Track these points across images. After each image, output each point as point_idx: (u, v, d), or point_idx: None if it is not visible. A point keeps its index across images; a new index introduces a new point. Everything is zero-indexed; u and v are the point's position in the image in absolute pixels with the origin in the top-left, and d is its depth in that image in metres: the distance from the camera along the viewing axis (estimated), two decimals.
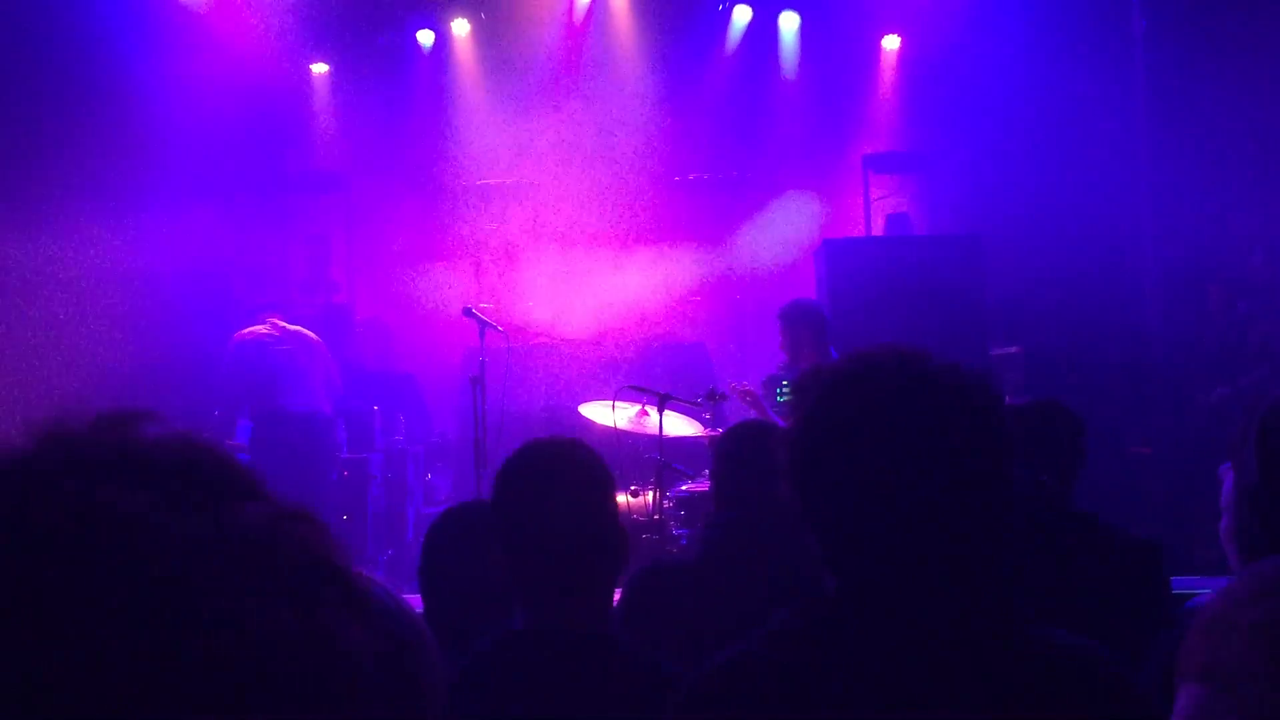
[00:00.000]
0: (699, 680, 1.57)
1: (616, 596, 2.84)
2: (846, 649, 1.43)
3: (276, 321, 7.13)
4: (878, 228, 8.47)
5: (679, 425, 6.42)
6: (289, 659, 0.58)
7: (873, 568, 1.44)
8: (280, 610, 0.59)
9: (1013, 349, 7.57)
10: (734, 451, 3.00)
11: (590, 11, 9.32)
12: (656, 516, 5.99)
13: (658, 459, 6.07)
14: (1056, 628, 1.52)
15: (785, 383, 7.07)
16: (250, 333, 7.07)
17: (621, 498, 6.25)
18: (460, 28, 9.37)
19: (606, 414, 6.37)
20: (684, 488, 6.15)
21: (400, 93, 9.31)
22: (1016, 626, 1.45)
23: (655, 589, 2.83)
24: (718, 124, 9.15)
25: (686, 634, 2.64)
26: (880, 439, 1.42)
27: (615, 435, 6.35)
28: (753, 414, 6.17)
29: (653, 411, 6.21)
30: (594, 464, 2.24)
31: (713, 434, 6.20)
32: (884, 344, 1.54)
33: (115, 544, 0.57)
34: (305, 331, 7.18)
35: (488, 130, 9.24)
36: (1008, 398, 7.33)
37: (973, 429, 1.43)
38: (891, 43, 9.22)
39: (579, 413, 6.68)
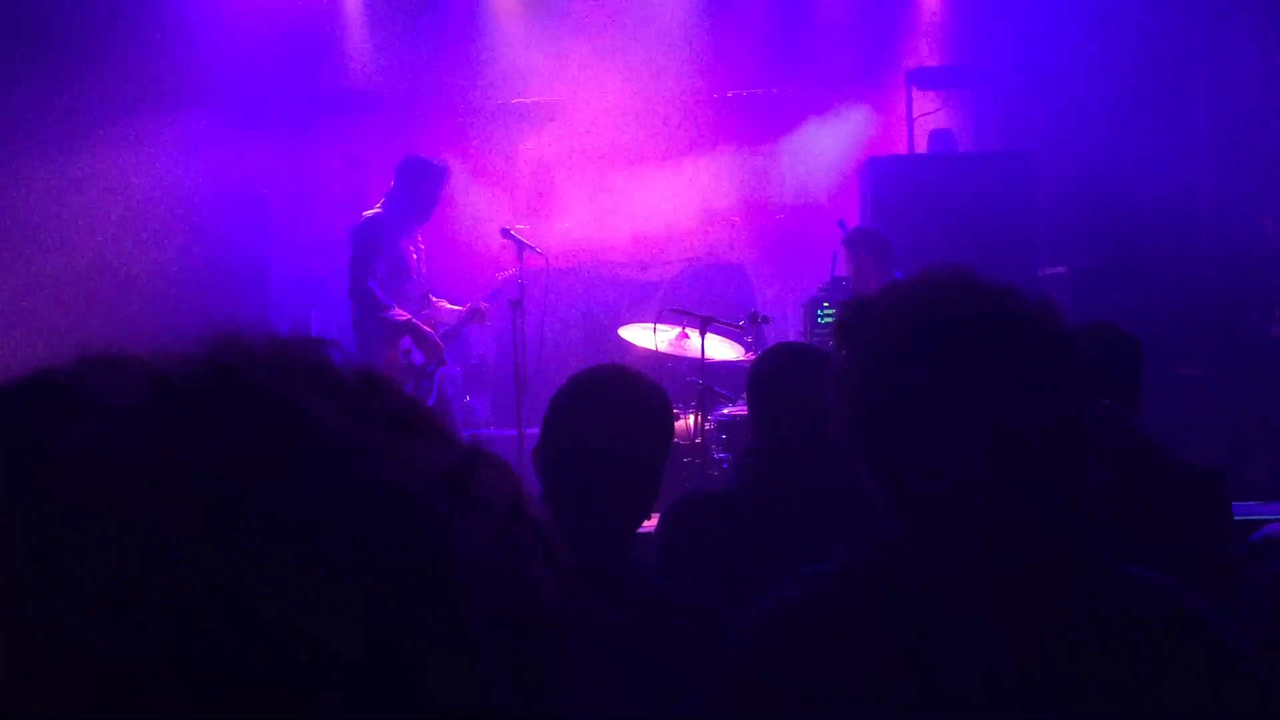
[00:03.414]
0: (760, 615, 1.52)
1: (652, 525, 2.83)
2: (922, 590, 1.37)
3: None
4: (921, 145, 8.30)
5: (720, 348, 6.37)
6: (502, 602, 0.54)
7: (946, 509, 1.36)
8: (489, 554, 0.54)
9: (1060, 269, 7.43)
10: (770, 375, 2.93)
11: None
12: (698, 440, 5.98)
13: (699, 382, 6.03)
14: (1128, 561, 1.47)
15: (826, 304, 7.00)
16: None
17: None
18: None
19: (647, 337, 6.33)
20: (725, 411, 6.11)
21: (434, 10, 9.15)
22: (1100, 565, 1.39)
23: (692, 518, 2.80)
24: (757, 39, 8.95)
25: (724, 563, 2.62)
26: (946, 372, 1.32)
27: (656, 358, 6.31)
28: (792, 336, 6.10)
29: (694, 334, 6.15)
30: (652, 404, 2.22)
31: (754, 357, 6.16)
32: (931, 267, 1.43)
33: (305, 445, 0.51)
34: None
35: (523, 48, 9.08)
36: None
37: (1045, 357, 1.34)
38: None
39: (619, 335, 6.64)
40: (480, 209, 8.80)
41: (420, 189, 6.25)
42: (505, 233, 6.63)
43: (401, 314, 6.12)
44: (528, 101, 9.03)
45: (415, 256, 6.32)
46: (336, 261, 8.42)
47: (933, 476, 1.35)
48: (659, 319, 6.32)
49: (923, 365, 1.34)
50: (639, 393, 2.25)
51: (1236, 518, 4.33)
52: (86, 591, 0.46)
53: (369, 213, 6.27)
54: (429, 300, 6.40)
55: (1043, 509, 1.35)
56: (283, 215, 8.42)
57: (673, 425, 2.31)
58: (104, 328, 7.27)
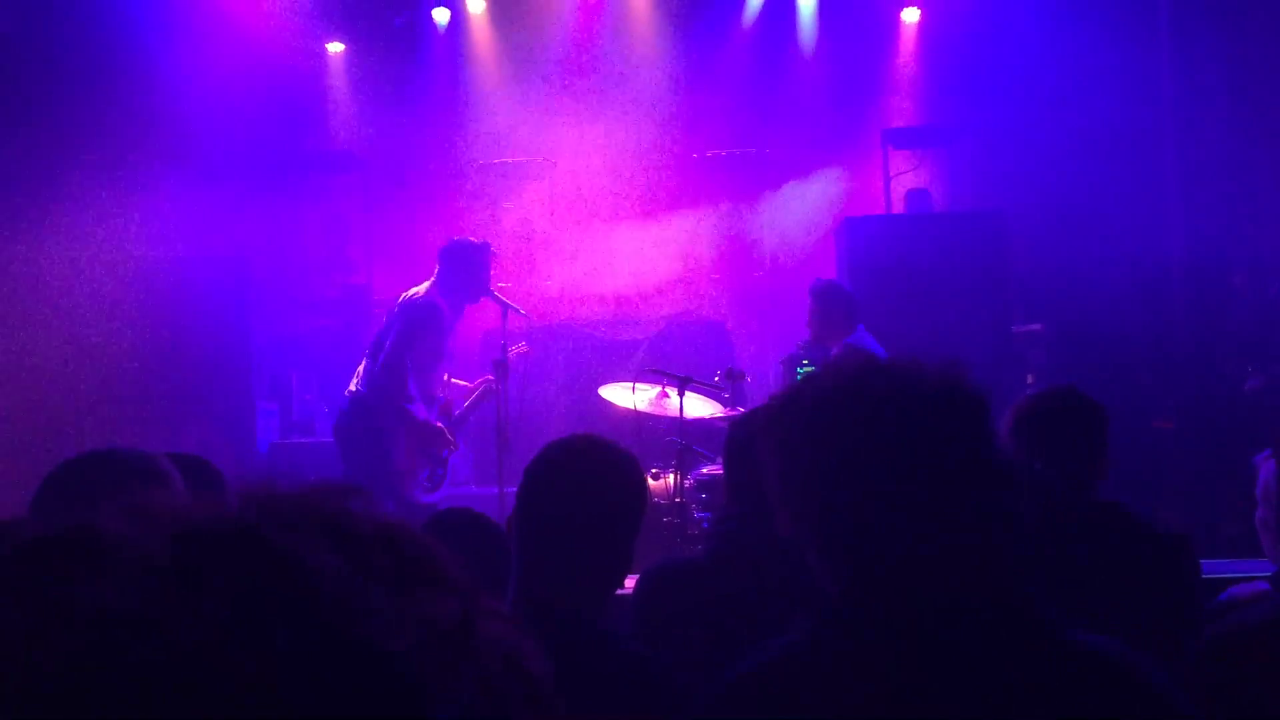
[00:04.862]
0: (722, 687, 1.57)
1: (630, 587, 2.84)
2: (874, 658, 1.42)
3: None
4: (898, 204, 8.41)
5: (699, 407, 6.41)
6: None
7: (884, 584, 1.43)
8: (480, 710, 0.57)
9: (1036, 326, 7.52)
10: (746, 441, 2.94)
11: None
12: (678, 499, 5.99)
13: (678, 442, 6.06)
14: (1082, 624, 1.50)
15: (805, 361, 7.06)
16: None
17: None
18: (476, 5, 9.31)
19: (626, 396, 6.36)
20: (705, 470, 6.13)
21: (417, 71, 9.27)
22: (1042, 630, 1.43)
23: (667, 587, 2.81)
24: (736, 100, 9.08)
25: (701, 630, 2.63)
26: (866, 450, 1.42)
27: (636, 417, 6.35)
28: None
29: (673, 393, 6.19)
30: (623, 475, 2.25)
31: (732, 413, 6.19)
32: (852, 359, 1.58)
33: (312, 610, 0.55)
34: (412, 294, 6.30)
35: (505, 108, 9.20)
36: (1031, 376, 7.31)
37: (951, 422, 1.43)
38: (911, 15, 9.12)
39: (599, 395, 6.67)
40: None
41: (472, 271, 6.26)
42: (490, 294, 6.67)
43: (420, 412, 6.11)
44: (509, 162, 9.12)
45: (453, 341, 6.34)
46: (318, 321, 8.45)
47: (868, 550, 1.43)
48: (638, 378, 6.36)
49: (845, 447, 1.43)
50: (611, 462, 2.28)
51: (1212, 575, 4.37)
52: None
53: (420, 291, 6.18)
54: (448, 382, 6.41)
55: (975, 575, 1.40)
56: (265, 275, 8.45)
57: (645, 494, 2.34)
58: (85, 392, 7.27)
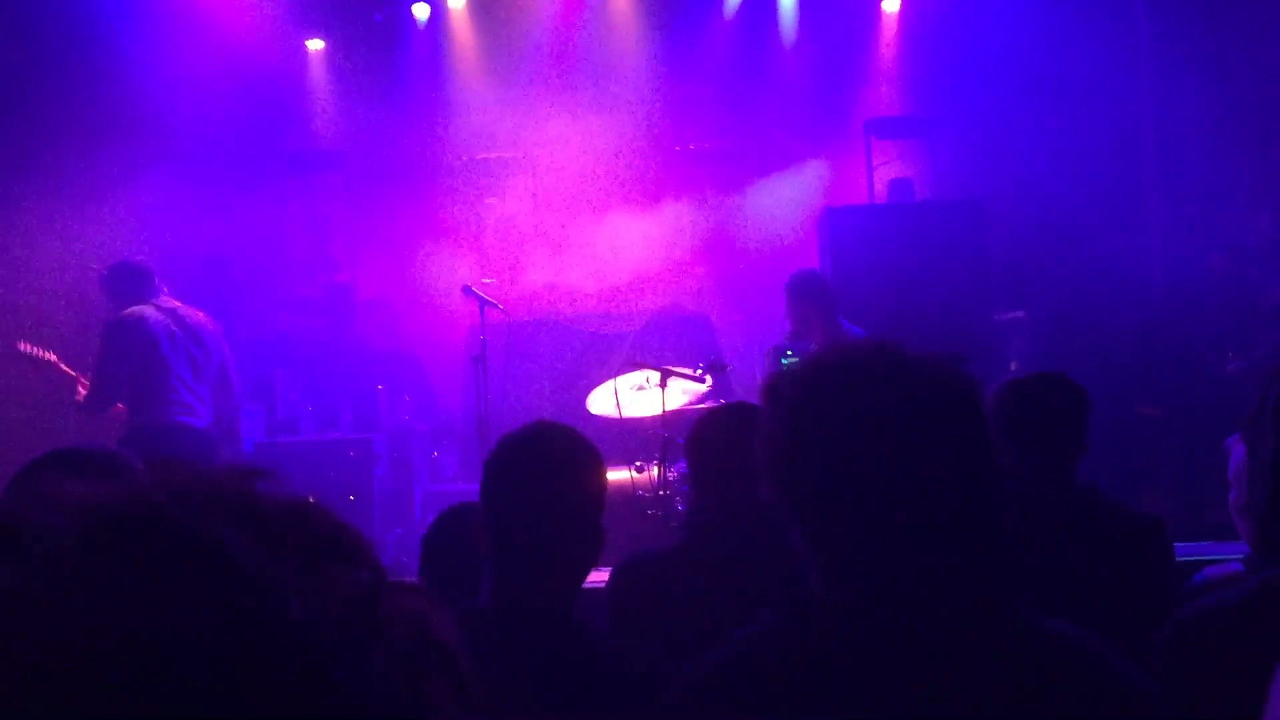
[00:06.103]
0: (688, 681, 1.56)
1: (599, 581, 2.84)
2: (841, 648, 1.41)
3: (165, 299, 5.88)
4: (880, 194, 8.41)
5: (682, 399, 6.40)
6: None
7: (866, 568, 1.41)
8: (383, 681, 0.58)
9: (1018, 314, 7.52)
10: (709, 440, 2.93)
11: None
12: (662, 492, 5.99)
13: (662, 434, 6.05)
14: (1056, 608, 1.50)
15: (789, 352, 7.05)
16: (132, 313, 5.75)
17: (626, 474, 6.25)
18: (456, 0, 9.29)
19: (610, 403, 6.37)
20: None
21: (397, 68, 9.25)
22: (1016, 621, 1.43)
23: (640, 579, 2.81)
24: (718, 92, 9.07)
25: (673, 622, 2.63)
26: (862, 438, 1.39)
27: (618, 410, 6.34)
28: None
29: (654, 384, 6.19)
30: (579, 456, 2.24)
31: (715, 405, 6.19)
32: (855, 339, 1.53)
33: (222, 583, 0.56)
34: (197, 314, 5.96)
35: (486, 104, 9.18)
36: (1014, 363, 7.31)
37: (951, 419, 1.42)
38: (892, 5, 9.12)
39: (581, 388, 6.68)
40: (445, 265, 8.84)
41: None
42: (466, 290, 6.69)
43: None
44: (491, 157, 9.11)
45: None
46: (302, 320, 8.44)
47: (853, 534, 1.41)
48: (620, 372, 6.36)
49: (841, 431, 1.41)
50: (563, 448, 2.27)
51: (1194, 558, 4.39)
52: None
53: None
54: None
55: (956, 566, 1.39)
56: (247, 274, 8.43)
57: (604, 477, 2.32)
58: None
